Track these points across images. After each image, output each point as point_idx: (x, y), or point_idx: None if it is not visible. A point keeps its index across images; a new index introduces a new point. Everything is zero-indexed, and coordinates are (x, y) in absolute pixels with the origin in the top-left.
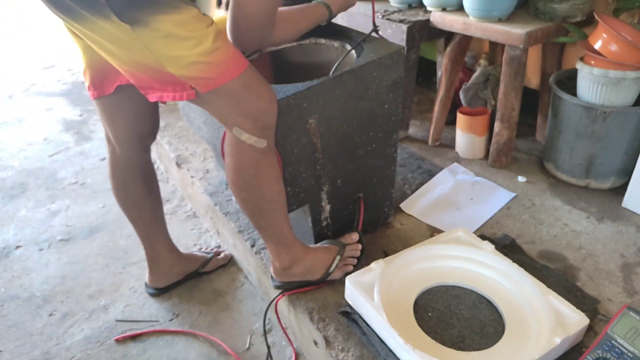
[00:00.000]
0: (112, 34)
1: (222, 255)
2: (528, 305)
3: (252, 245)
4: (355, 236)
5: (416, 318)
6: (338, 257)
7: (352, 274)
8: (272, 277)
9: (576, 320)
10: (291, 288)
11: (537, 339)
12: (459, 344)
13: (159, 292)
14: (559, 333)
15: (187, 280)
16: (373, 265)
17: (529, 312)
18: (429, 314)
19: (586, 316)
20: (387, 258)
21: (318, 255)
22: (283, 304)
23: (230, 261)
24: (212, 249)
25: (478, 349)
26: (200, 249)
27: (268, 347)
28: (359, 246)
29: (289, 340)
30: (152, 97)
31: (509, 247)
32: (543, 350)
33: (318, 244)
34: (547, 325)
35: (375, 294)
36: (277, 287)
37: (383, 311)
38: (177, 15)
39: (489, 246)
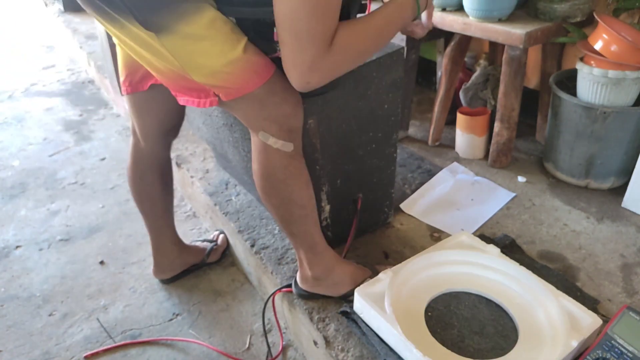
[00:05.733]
0: (142, 38)
1: (219, 240)
2: (540, 308)
3: (252, 245)
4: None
5: (428, 327)
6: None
7: (361, 286)
8: (295, 283)
9: (589, 322)
10: (311, 297)
11: (552, 343)
12: (473, 353)
13: (165, 283)
14: (574, 336)
15: (192, 270)
16: (381, 275)
17: (542, 316)
18: (440, 322)
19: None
20: (394, 268)
21: (352, 273)
22: (282, 304)
23: (228, 244)
24: (213, 237)
25: (494, 357)
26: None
27: (268, 347)
28: None
29: (281, 336)
30: (181, 101)
31: (508, 247)
32: (561, 354)
33: (350, 261)
34: (561, 329)
35: (386, 305)
36: (300, 296)
37: (397, 323)
38: (201, 19)
39: (494, 250)
